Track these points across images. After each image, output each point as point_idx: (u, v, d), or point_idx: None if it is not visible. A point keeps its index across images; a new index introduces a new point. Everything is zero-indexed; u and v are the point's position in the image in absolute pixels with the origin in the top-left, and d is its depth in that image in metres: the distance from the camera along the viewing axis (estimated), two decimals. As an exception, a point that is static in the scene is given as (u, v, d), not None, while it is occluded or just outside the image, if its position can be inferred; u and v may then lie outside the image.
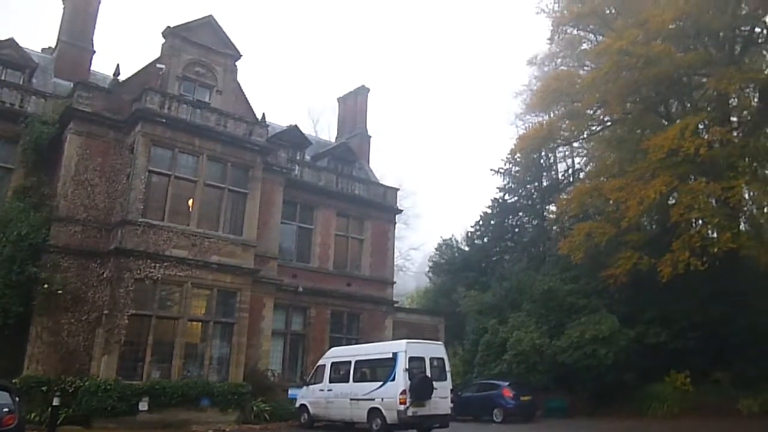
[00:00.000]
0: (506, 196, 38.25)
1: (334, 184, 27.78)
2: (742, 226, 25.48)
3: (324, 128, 50.92)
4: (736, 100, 26.28)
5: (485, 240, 38.83)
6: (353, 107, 33.86)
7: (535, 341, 25.38)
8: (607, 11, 28.35)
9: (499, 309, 29.41)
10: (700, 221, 24.33)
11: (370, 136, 33.58)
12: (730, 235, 21.84)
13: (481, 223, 38.92)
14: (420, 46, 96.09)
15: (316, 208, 26.67)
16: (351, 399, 17.62)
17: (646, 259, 23.26)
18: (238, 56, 23.71)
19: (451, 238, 41.72)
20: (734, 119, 27.11)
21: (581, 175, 35.82)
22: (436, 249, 42.29)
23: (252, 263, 21.08)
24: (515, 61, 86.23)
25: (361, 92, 33.88)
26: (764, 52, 28.10)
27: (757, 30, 26.21)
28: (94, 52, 24.88)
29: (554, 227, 34.50)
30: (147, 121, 19.51)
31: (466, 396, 24.37)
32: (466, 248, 40.03)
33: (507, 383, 23.83)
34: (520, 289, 29.44)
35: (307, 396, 19.71)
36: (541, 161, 37.25)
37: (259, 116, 23.37)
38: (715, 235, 23.60)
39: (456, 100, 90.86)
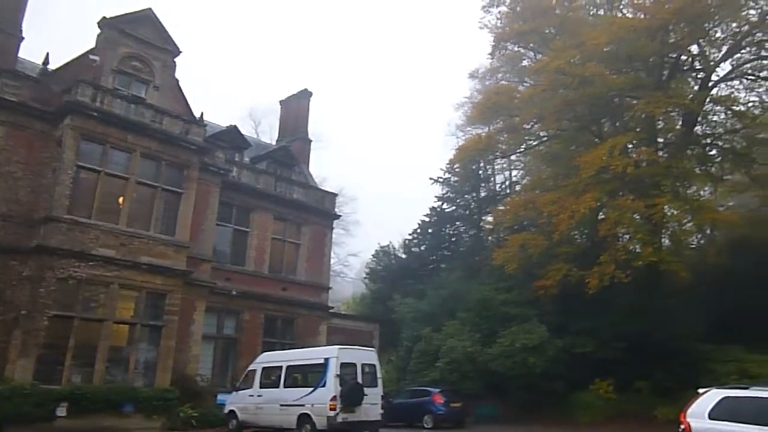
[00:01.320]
0: (444, 206, 38.81)
1: (273, 187, 27.44)
2: (664, 242, 26.71)
3: (266, 130, 50.30)
4: (662, 122, 27.61)
5: (422, 248, 39.23)
6: (295, 110, 33.61)
7: (467, 349, 25.75)
8: (547, 31, 29.29)
9: (434, 317, 29.69)
10: (626, 236, 25.40)
11: (311, 141, 33.41)
12: (652, 249, 22.91)
13: (419, 231, 39.32)
14: (366, 53, 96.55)
15: (253, 211, 26.26)
16: (281, 405, 17.38)
17: (575, 272, 24.01)
18: (178, 52, 23.12)
19: (389, 246, 41.97)
20: (660, 140, 28.44)
21: (517, 187, 36.79)
22: (374, 256, 42.43)
23: (184, 265, 20.54)
24: (458, 73, 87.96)
25: (304, 96, 33.68)
26: (689, 79, 29.62)
27: (683, 58, 27.64)
28: (23, 38, 23.64)
29: (490, 237, 35.24)
30: (77, 113, 18.75)
31: (398, 402, 24.43)
32: (404, 256, 40.33)
33: (438, 390, 24.05)
34: (456, 298, 29.84)
35: (236, 402, 19.32)
36: (480, 172, 38.06)
37: (197, 115, 22.85)
38: (639, 249, 24.71)
39: (399, 109, 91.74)
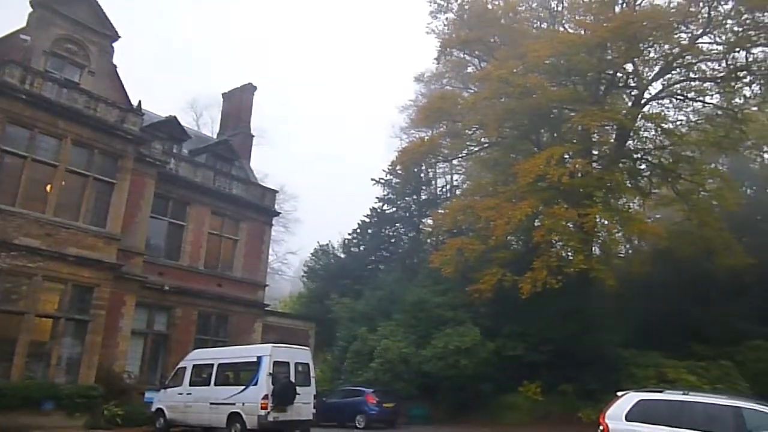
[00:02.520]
0: (385, 207, 38.98)
1: (212, 182, 26.88)
2: (594, 251, 27.75)
3: (207, 123, 49.18)
4: (597, 135, 28.67)
5: (362, 248, 39.27)
6: (238, 104, 33.01)
7: (402, 350, 25.97)
8: (492, 40, 29.89)
9: (370, 317, 29.78)
10: (559, 243, 26.23)
11: (252, 136, 32.91)
12: (582, 257, 23.78)
13: (359, 231, 39.33)
14: (314, 53, 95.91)
15: (190, 205, 25.65)
16: (211, 403, 17.05)
17: (509, 276, 24.57)
18: (116, 37, 22.29)
19: (328, 245, 41.77)
20: (595, 153, 29.54)
21: (458, 191, 37.38)
22: (313, 255, 42.14)
23: (114, 258, 19.85)
24: (404, 75, 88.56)
25: (248, 90, 33.13)
26: (623, 96, 30.90)
27: (619, 75, 28.77)
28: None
29: (429, 240, 35.64)
30: (3, 95, 17.83)
31: (331, 402, 24.39)
32: (343, 255, 40.25)
33: (371, 390, 24.15)
34: (392, 299, 30.04)
35: (164, 400, 18.81)
36: (421, 175, 38.42)
37: (134, 103, 22.11)
38: (571, 256, 25.57)
39: (345, 109, 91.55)
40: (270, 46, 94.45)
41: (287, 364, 16.73)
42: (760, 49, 25.72)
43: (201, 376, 18.11)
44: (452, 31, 31.12)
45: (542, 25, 31.51)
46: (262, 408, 15.61)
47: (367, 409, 23.48)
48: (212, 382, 17.52)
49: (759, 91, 26.55)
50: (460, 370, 24.60)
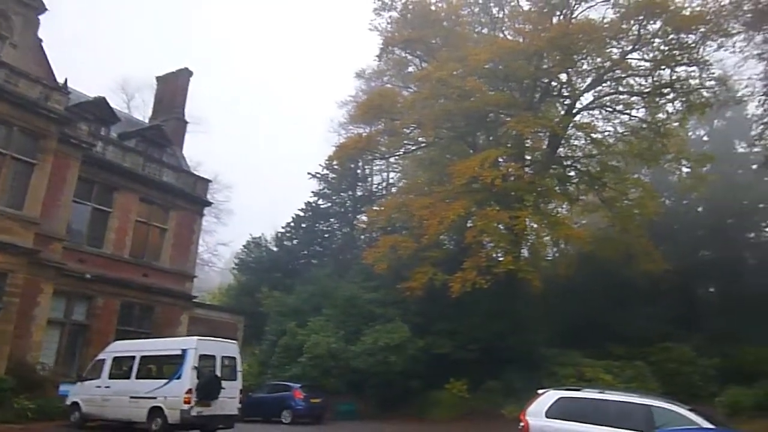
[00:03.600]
0: (320, 202, 38.79)
1: (141, 168, 25.87)
2: (523, 253, 28.59)
3: (139, 106, 47.21)
4: (530, 141, 29.54)
5: (295, 242, 38.93)
6: (173, 89, 31.87)
7: (331, 345, 25.93)
8: (434, 41, 30.22)
9: (301, 312, 29.58)
10: (490, 244, 26.87)
11: (187, 122, 31.90)
12: (511, 258, 24.53)
13: (292, 225, 38.96)
14: (255, 45, 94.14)
15: (117, 191, 24.61)
16: (131, 397, 16.39)
17: (440, 275, 25.00)
18: (43, 9, 21.06)
19: (261, 237, 41.16)
20: (528, 158, 30.44)
21: (393, 189, 37.62)
22: (245, 247, 41.40)
23: (31, 243, 18.78)
24: (345, 71, 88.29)
25: (184, 74, 32.05)
26: (557, 104, 31.96)
27: (553, 84, 29.78)
28: None
29: (363, 236, 35.73)
30: None
31: (257, 397, 24.10)
32: (275, 249, 39.77)
33: (299, 385, 24.01)
34: (324, 294, 29.94)
35: (80, 393, 17.95)
36: (358, 171, 38.46)
37: (60, 81, 20.96)
38: (501, 257, 26.27)
39: (284, 102, 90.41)
40: (213, 35, 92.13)
41: (213, 357, 16.32)
42: (683, 68, 27.15)
43: (121, 368, 17.40)
44: (395, 29, 31.26)
45: (483, 30, 32.14)
46: (185, 402, 15.16)
47: (294, 404, 23.31)
48: (133, 375, 16.86)
49: (680, 108, 28.02)
50: (389, 366, 24.81)
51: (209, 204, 30.24)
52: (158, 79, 33.18)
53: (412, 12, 30.38)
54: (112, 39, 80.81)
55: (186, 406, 15.16)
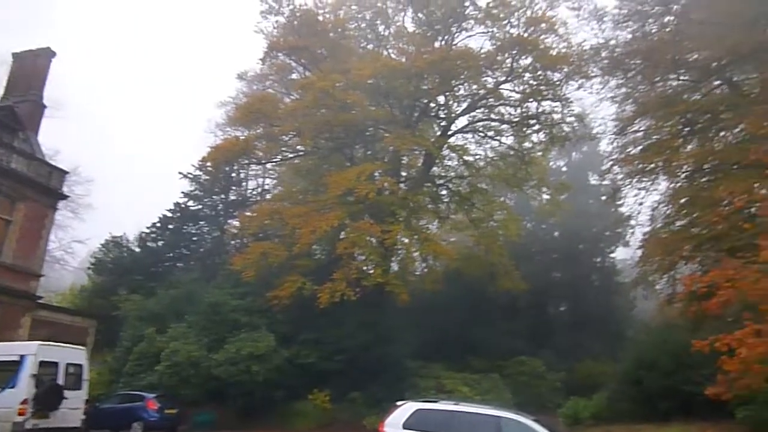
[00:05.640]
0: (190, 203, 37.17)
1: (-15, 151, 23.36)
2: (392, 267, 29.22)
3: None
4: (406, 158, 30.45)
5: (160, 244, 36.94)
6: (31, 68, 28.98)
7: (192, 353, 24.81)
8: (319, 51, 30.19)
9: (161, 317, 28.04)
10: (361, 257, 27.19)
11: (45, 106, 29.18)
12: (381, 271, 25.00)
13: (158, 225, 36.94)
14: (139, 34, 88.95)
15: (-45, 175, 22.02)
16: (-47, 409, 14.62)
17: (310, 285, 24.85)
18: None
19: (122, 237, 38.57)
20: (403, 174, 31.36)
21: (268, 196, 36.97)
22: (103, 245, 38.57)
23: None
24: (227, 71, 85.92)
25: (45, 54, 29.25)
26: (434, 125, 33.18)
27: (432, 105, 30.96)
28: None
29: (233, 242, 34.73)
30: None
31: (106, 407, 22.50)
32: (138, 249, 37.49)
33: (153, 395, 22.72)
34: (188, 299, 28.61)
35: None
36: (232, 175, 37.36)
37: None
38: (371, 270, 26.66)
39: (162, 99, 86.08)
40: (87, 18, 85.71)
41: (56, 364, 15.04)
42: (548, 102, 29.37)
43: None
44: (281, 35, 30.89)
45: (369, 46, 32.67)
46: (19, 414, 13.82)
47: (147, 415, 22.00)
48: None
49: (544, 139, 30.25)
50: (252, 375, 24.18)
51: (65, 197, 27.94)
52: (14, 56, 30.13)
53: (300, 20, 30.21)
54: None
55: (20, 419, 13.83)
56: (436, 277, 30.77)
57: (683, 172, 23.73)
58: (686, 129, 23.61)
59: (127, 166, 76.92)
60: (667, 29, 23.83)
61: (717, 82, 23.48)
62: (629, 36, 24.87)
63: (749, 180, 16.49)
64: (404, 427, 10.57)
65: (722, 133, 23.14)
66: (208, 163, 32.24)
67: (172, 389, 24.13)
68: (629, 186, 25.69)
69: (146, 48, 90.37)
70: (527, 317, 33.74)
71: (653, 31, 24.40)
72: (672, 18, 24.02)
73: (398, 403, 11.37)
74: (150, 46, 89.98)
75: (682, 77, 24.20)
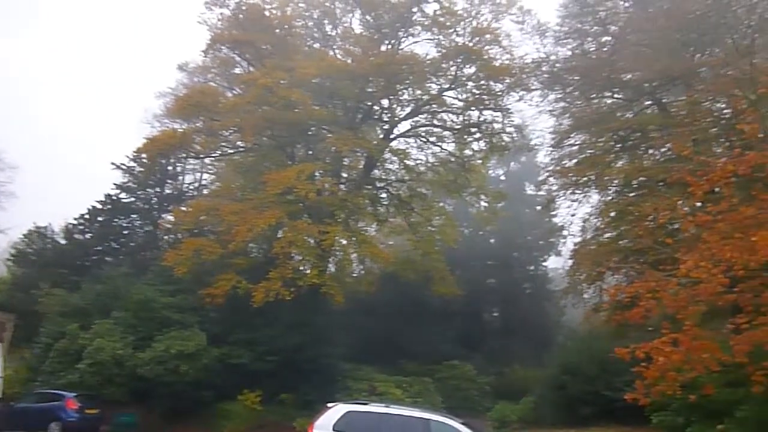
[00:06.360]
0: (123, 195, 35.78)
1: None
2: (329, 268, 29.10)
3: None
4: (348, 159, 30.41)
5: (88, 236, 35.40)
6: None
7: (117, 351, 23.94)
8: (264, 47, 29.72)
9: (86, 313, 26.89)
10: (298, 257, 26.97)
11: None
12: (317, 272, 24.92)
13: (87, 217, 35.36)
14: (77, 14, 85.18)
15: None
16: None
17: (244, 284, 24.47)
18: None
19: (47, 227, 36.76)
20: (344, 175, 31.30)
21: (205, 191, 36.09)
22: (26, 236, 36.64)
23: None
24: (168, 61, 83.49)
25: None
26: (377, 128, 33.28)
27: (375, 108, 31.09)
28: None
29: (167, 237, 33.73)
30: None
31: (21, 407, 21.47)
32: (64, 242, 35.81)
33: (74, 395, 21.82)
34: (115, 295, 27.51)
35: None
36: (168, 168, 36.20)
37: None
38: (307, 270, 26.50)
39: (97, 87, 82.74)
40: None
41: (-33, 359, 14.15)
42: (489, 112, 29.97)
43: None
44: (225, 27, 30.24)
45: (315, 45, 32.44)
46: None
47: (65, 415, 21.12)
48: None
49: (484, 147, 30.87)
50: (180, 375, 23.55)
51: (-16, 183, 26.46)
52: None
53: (245, 13, 29.66)
54: None
55: None
56: (373, 280, 30.90)
57: (614, 187, 24.77)
58: (618, 145, 24.67)
59: (56, 155, 73.51)
60: (605, 49, 24.83)
61: (648, 103, 24.60)
62: (569, 53, 25.82)
63: (673, 197, 17.31)
64: (334, 429, 10.55)
65: (651, 152, 24.26)
66: (143, 155, 31.21)
67: (95, 388, 23.31)
68: (563, 197, 26.62)
69: (83, 33, 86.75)
70: (461, 322, 34.30)
71: (591, 49, 25.39)
72: (609, 38, 25.04)
73: (329, 404, 11.33)
74: (87, 31, 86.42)
75: (616, 95, 25.25)
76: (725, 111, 20.40)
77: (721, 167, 11.35)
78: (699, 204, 12.83)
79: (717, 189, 12.23)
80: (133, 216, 35.87)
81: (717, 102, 21.12)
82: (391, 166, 32.27)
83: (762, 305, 10.38)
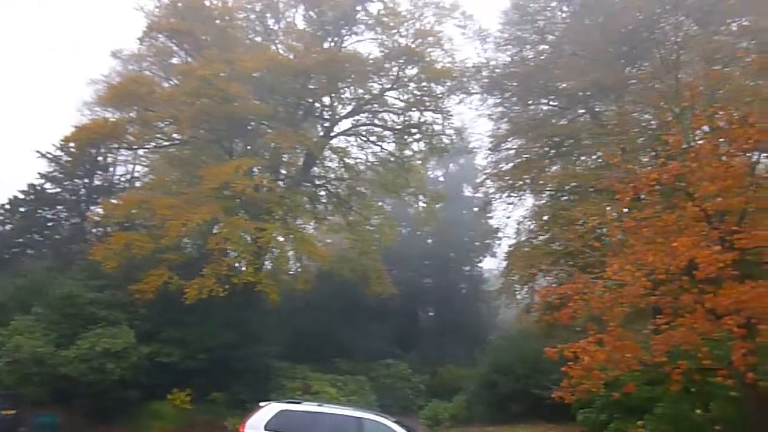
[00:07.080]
0: (48, 185, 34.04)
1: None
2: (265, 265, 28.73)
3: None
4: (287, 156, 30.07)
5: (9, 227, 33.50)
6: None
7: (37, 349, 22.79)
8: (203, 38, 29.00)
9: (4, 309, 25.52)
10: (233, 253, 26.46)
11: None
12: (252, 270, 24.57)
13: (8, 207, 33.44)
14: None
15: None
16: None
17: (176, 280, 23.89)
18: None
19: (-36, 218, 34.57)
20: (283, 172, 30.93)
21: (137, 184, 34.83)
22: (-58, 227, 34.34)
23: None
24: (101, 46, 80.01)
25: None
26: (317, 125, 33.09)
27: (317, 105, 30.94)
28: None
29: (94, 230, 32.35)
30: None
31: (-71, 409, 20.08)
32: (-19, 233, 33.78)
33: (-11, 395, 20.65)
34: (36, 290, 26.20)
35: None
36: (99, 159, 34.66)
37: None
38: (243, 267, 26.05)
39: (22, 68, 78.37)
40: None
41: None
42: (430, 113, 30.44)
43: None
44: (163, 15, 29.37)
45: (257, 39, 31.91)
46: None
47: (-22, 416, 19.90)
48: None
49: (423, 148, 31.29)
50: (106, 374, 22.68)
51: None
52: None
53: (184, 2, 28.84)
54: None
55: None
56: (309, 278, 30.72)
57: (547, 191, 25.58)
58: (552, 151, 25.50)
59: (-25, 139, 69.25)
60: (542, 57, 25.60)
61: (581, 111, 25.55)
62: (508, 59, 26.48)
63: (602, 203, 18.06)
64: (266, 428, 10.43)
65: (583, 158, 25.20)
66: (71, 144, 29.84)
67: (12, 388, 22.21)
68: (499, 200, 27.31)
69: (12, 12, 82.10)
70: (396, 321, 34.57)
71: (529, 57, 26.12)
72: (546, 47, 25.85)
73: (261, 403, 11.19)
74: (18, 11, 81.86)
75: (551, 103, 26.10)
76: (652, 122, 21.45)
77: (646, 176, 11.87)
78: (625, 210, 13.38)
79: (642, 196, 12.81)
80: (58, 207, 34.12)
81: (645, 113, 22.20)
82: (330, 164, 32.19)
83: (680, 307, 10.94)
